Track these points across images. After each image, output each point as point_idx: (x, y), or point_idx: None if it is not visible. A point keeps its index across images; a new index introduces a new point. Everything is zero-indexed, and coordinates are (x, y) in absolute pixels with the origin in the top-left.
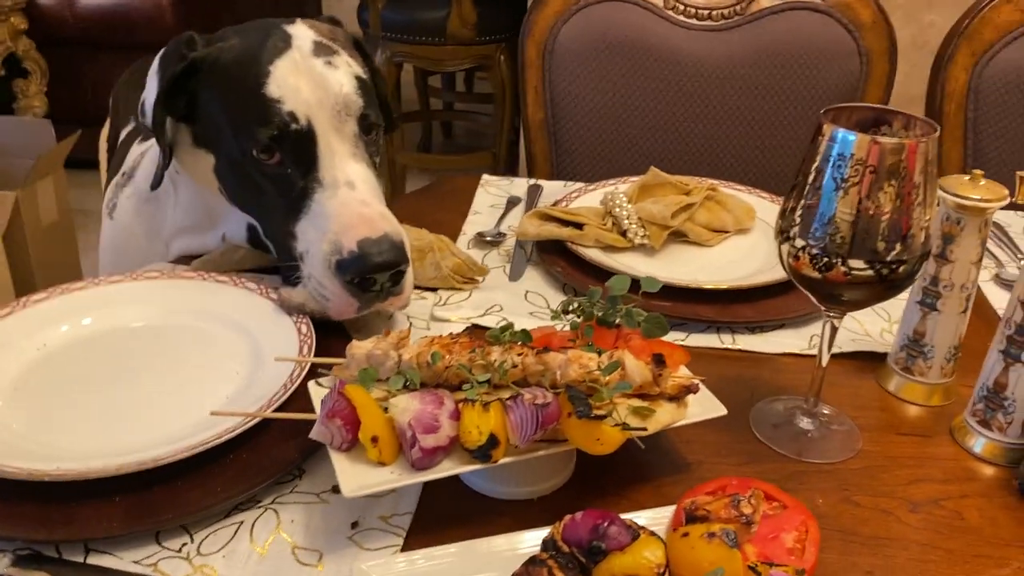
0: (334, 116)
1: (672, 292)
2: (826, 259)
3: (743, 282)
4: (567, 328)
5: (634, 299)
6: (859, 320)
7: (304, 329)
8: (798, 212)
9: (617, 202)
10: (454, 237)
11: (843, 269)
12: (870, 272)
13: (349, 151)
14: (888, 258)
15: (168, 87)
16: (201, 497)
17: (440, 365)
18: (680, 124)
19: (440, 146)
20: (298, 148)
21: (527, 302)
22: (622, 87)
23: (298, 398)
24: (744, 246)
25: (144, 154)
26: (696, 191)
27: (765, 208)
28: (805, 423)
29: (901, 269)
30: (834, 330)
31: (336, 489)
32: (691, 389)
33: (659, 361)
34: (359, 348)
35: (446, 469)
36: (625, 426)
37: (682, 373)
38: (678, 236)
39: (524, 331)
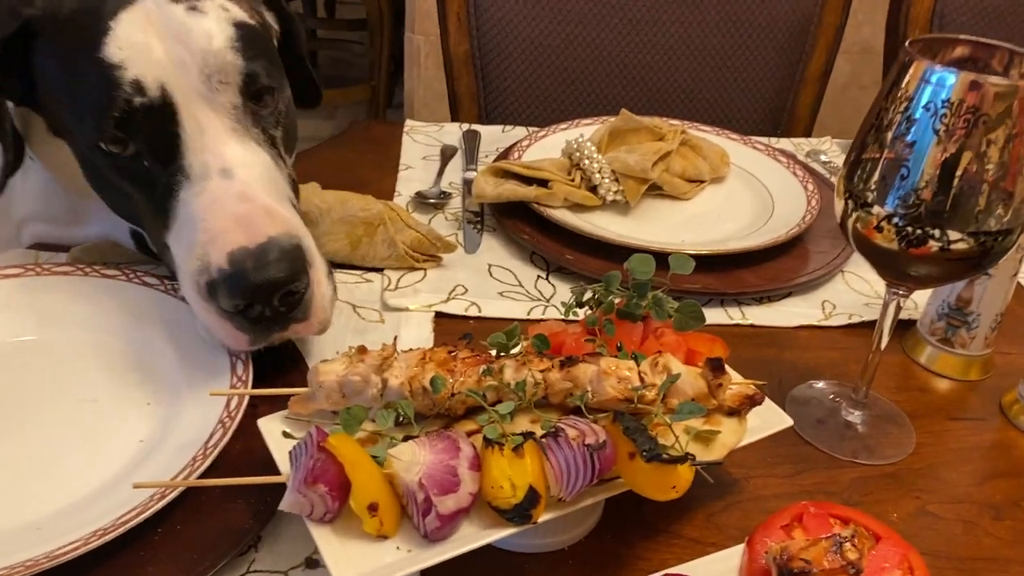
0: (201, 82)
1: (659, 260)
2: (919, 230)
3: (744, 243)
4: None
5: (660, 283)
6: (868, 280)
7: (240, 368)
8: (877, 172)
9: (585, 152)
10: (388, 198)
11: (937, 243)
12: (970, 244)
13: (226, 126)
14: (992, 227)
15: (1, 55)
16: None
17: (444, 393)
18: (626, 56)
19: None
20: (152, 129)
21: (494, 279)
22: (560, 13)
23: (242, 436)
24: (721, 196)
25: None
26: (670, 136)
27: (738, 152)
28: (853, 416)
29: (1005, 240)
30: (899, 309)
31: (311, 562)
32: (754, 400)
33: (716, 367)
34: (327, 374)
35: (471, 537)
36: (695, 461)
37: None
38: (650, 188)
39: (541, 337)
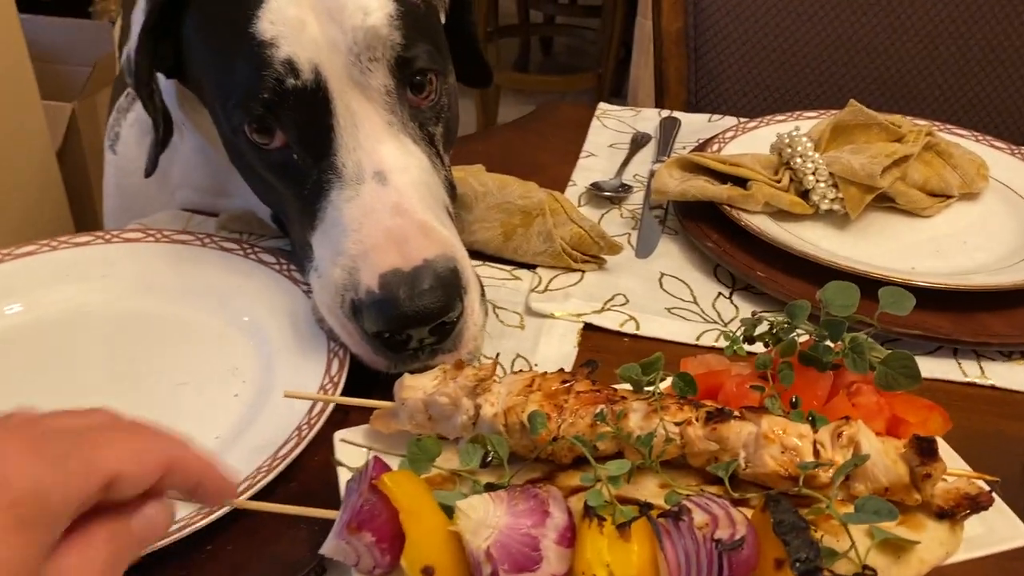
0: (352, 62)
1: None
2: None
3: (995, 279)
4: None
5: (865, 322)
6: None
7: (335, 367)
8: None
9: (798, 149)
10: (560, 188)
11: None
12: None
13: (381, 120)
14: None
15: (151, 27)
16: None
17: (543, 435)
18: (869, 43)
19: (539, 65)
20: (303, 118)
21: (663, 292)
22: None
23: (324, 446)
24: (972, 217)
25: None
26: (911, 137)
27: (1002, 163)
28: None
29: None
30: None
31: None
32: (978, 502)
33: (925, 449)
34: (413, 389)
35: None
36: None
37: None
38: (879, 200)
39: (685, 376)
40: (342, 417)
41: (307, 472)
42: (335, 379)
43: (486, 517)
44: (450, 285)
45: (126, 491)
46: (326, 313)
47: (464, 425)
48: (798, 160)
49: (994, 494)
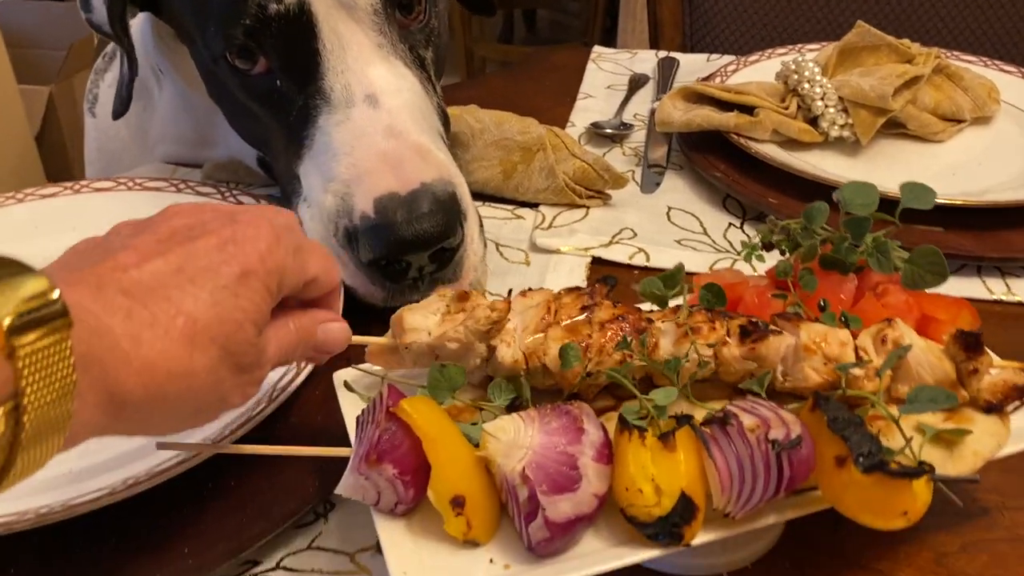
0: None
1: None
2: None
3: (1016, 194)
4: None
5: (887, 221)
6: None
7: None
8: None
9: (805, 75)
10: (558, 126)
11: None
12: None
13: (370, 42)
14: None
15: None
16: (161, 562)
17: (576, 369)
18: None
19: (522, 39)
20: (287, 42)
21: (672, 225)
22: None
23: (325, 381)
24: (986, 141)
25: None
26: (921, 59)
27: (1013, 86)
28: None
29: None
30: None
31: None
32: None
33: (970, 343)
34: (416, 332)
35: (593, 557)
36: (938, 476)
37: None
38: (890, 126)
39: (713, 287)
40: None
41: (307, 408)
42: None
43: (517, 438)
44: (449, 210)
45: (313, 292)
46: (322, 241)
47: (478, 368)
48: (806, 86)
49: None
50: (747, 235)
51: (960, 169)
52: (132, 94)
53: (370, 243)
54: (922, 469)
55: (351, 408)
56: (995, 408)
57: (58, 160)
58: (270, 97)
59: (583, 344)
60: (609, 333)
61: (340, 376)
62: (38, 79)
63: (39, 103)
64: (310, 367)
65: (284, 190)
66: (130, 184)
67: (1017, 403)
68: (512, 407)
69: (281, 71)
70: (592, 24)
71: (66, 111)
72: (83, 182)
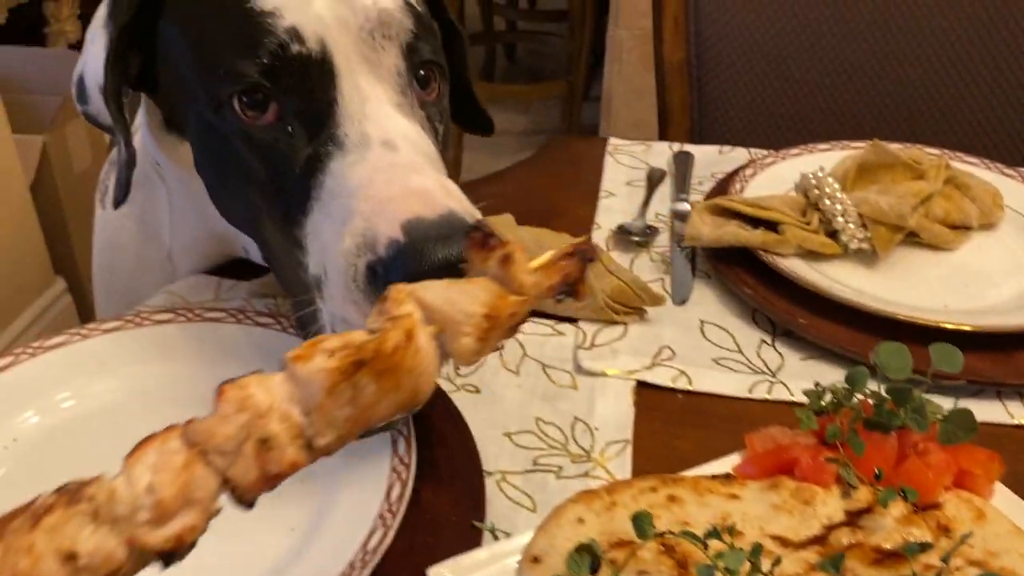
0: (363, 39)
1: (912, 330)
2: None
3: None
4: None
5: (918, 379)
6: None
7: (401, 447)
8: None
9: (826, 191)
10: (585, 231)
11: None
12: None
13: (391, 99)
14: None
15: (124, 29)
16: None
17: None
18: (873, 67)
19: (504, 71)
20: (304, 88)
21: (707, 341)
22: (796, 17)
23: (406, 531)
24: (993, 247)
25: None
26: (932, 173)
27: (1015, 191)
28: None
29: None
30: None
31: None
32: None
33: None
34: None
35: None
36: None
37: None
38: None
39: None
40: (414, 497)
41: (389, 561)
42: (405, 459)
43: None
44: None
45: None
46: (341, 302)
47: None
48: (827, 202)
49: None
50: (779, 353)
51: (971, 280)
52: (131, 181)
53: (402, 268)
54: None
55: None
56: None
57: (54, 210)
58: (274, 149)
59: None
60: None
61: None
62: (31, 127)
63: (33, 153)
64: None
65: (281, 273)
66: (189, 316)
67: None
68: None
69: (293, 117)
70: (578, 61)
71: (60, 160)
72: (144, 313)
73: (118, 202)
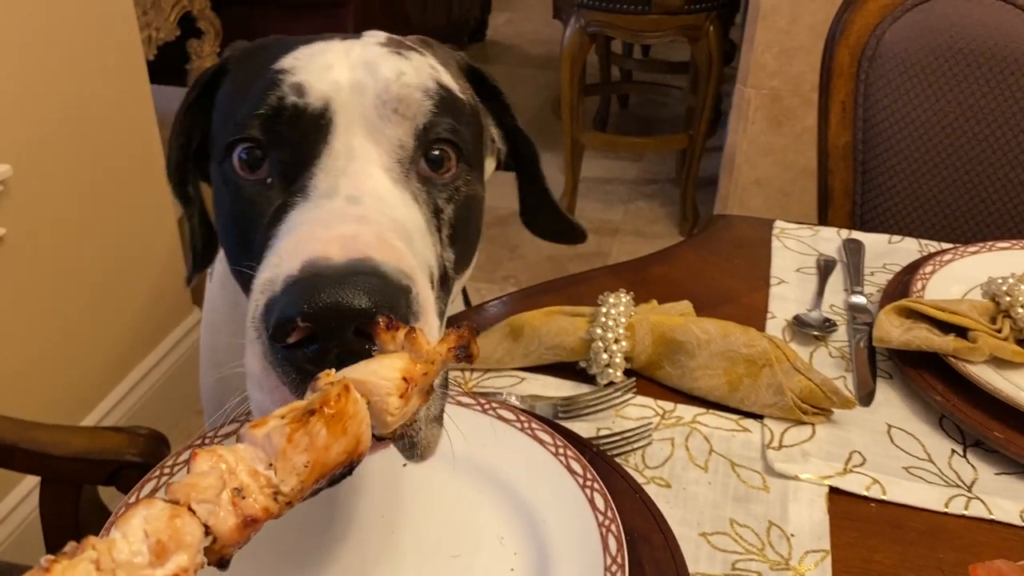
0: (374, 106)
1: None
2: None
3: None
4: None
5: None
6: None
7: (601, 503)
8: None
9: (1020, 299)
10: (759, 320)
11: None
12: None
13: (380, 161)
14: None
15: (193, 101)
16: None
17: None
18: None
19: (616, 118)
20: (296, 140)
21: (896, 448)
22: (969, 108)
23: None
24: None
25: None
26: None
27: None
28: None
29: None
30: None
31: None
32: None
33: None
34: None
35: None
36: None
37: None
38: None
39: None
40: None
41: None
42: (618, 560)
43: None
44: (393, 293)
45: None
46: (248, 354)
47: None
48: (1020, 311)
49: None
50: (971, 465)
51: None
52: (201, 256)
53: (283, 303)
54: None
55: None
56: None
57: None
58: (253, 202)
59: None
60: None
61: None
62: None
63: None
64: None
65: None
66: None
67: None
68: None
69: (279, 170)
70: (700, 115)
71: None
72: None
73: (188, 279)
